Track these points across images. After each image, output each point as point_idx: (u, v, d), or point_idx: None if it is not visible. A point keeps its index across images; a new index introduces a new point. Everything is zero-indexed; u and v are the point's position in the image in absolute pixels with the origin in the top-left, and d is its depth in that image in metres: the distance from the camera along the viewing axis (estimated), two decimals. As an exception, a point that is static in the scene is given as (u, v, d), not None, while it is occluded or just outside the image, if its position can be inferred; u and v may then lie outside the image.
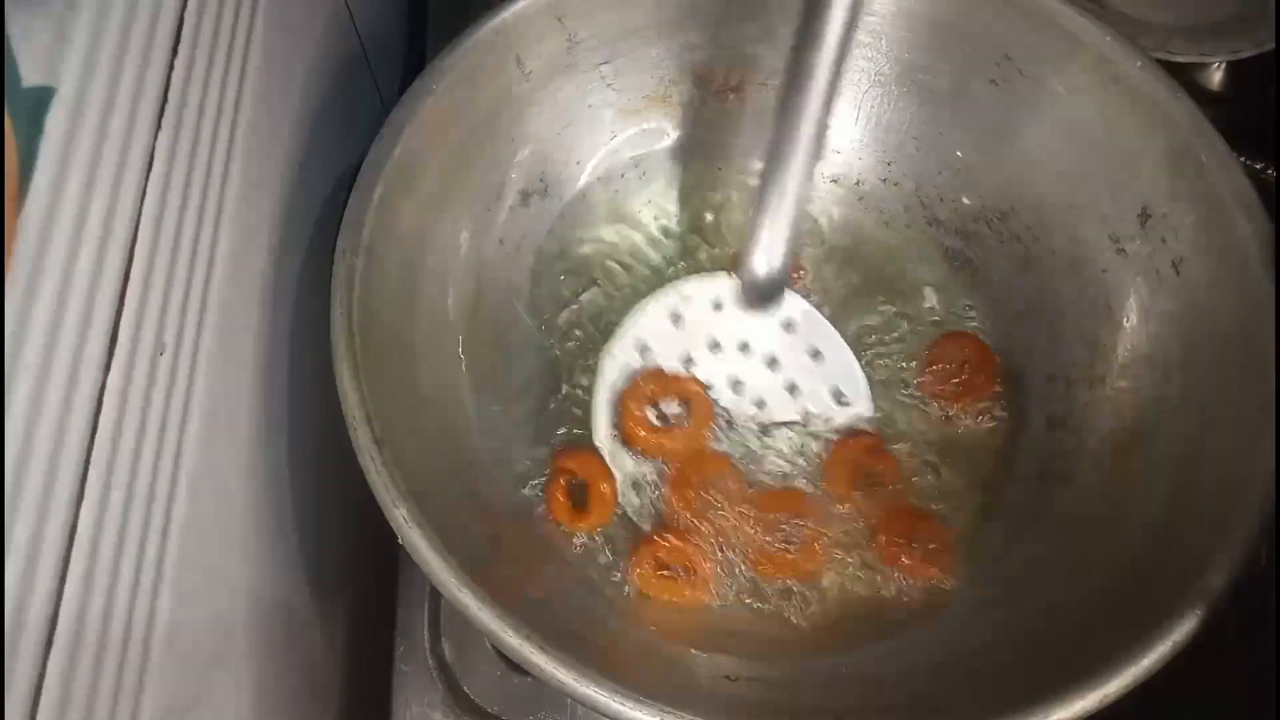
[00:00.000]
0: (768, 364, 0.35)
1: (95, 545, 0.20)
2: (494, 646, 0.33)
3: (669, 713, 0.25)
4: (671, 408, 0.35)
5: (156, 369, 0.23)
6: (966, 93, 0.39)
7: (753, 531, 0.33)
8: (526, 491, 0.35)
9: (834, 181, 0.42)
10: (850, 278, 0.40)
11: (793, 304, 0.36)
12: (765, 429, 0.35)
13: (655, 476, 0.35)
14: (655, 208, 0.42)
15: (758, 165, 0.42)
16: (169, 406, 0.24)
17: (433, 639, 0.35)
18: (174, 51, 0.24)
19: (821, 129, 0.31)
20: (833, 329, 0.36)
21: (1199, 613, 0.26)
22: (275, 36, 0.30)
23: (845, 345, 0.36)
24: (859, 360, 0.36)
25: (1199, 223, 0.33)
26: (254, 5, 0.29)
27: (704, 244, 0.41)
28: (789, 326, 0.36)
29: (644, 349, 0.35)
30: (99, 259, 0.21)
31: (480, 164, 0.37)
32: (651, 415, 0.35)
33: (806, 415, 0.35)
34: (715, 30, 0.40)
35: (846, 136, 0.42)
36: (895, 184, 0.42)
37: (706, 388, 0.35)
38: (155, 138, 0.23)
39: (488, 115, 0.37)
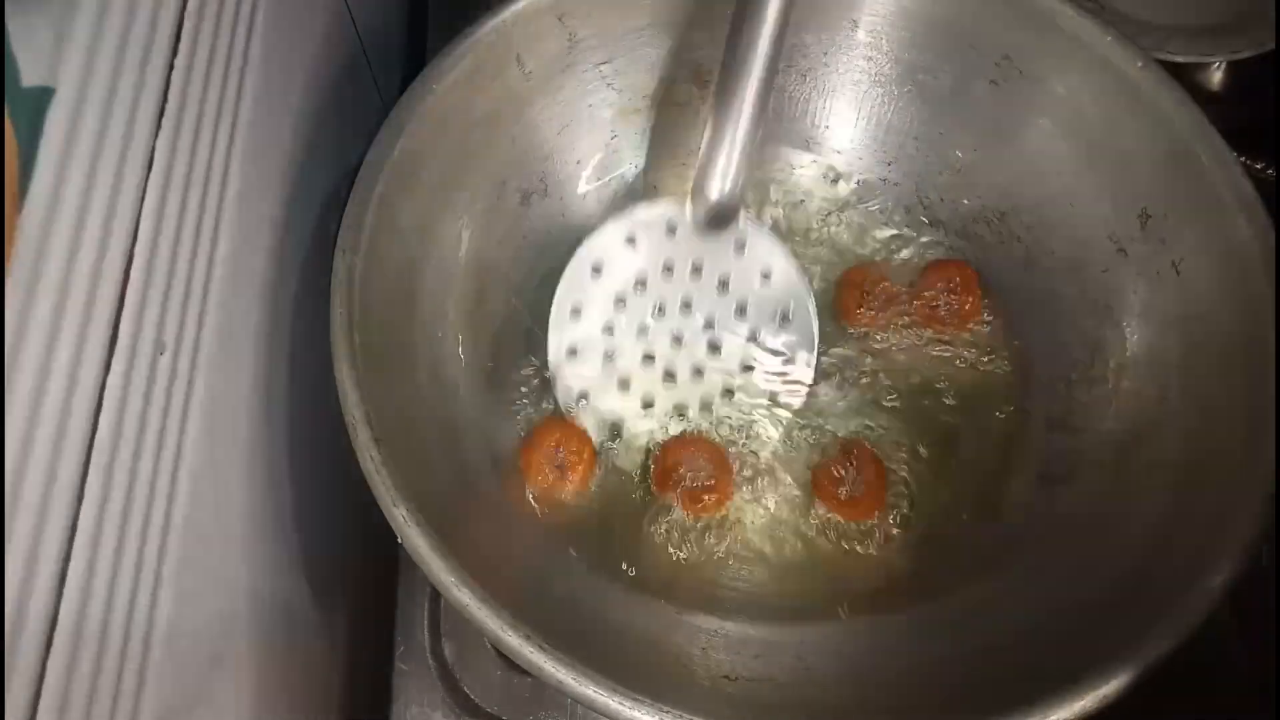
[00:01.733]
0: (718, 286, 0.36)
1: (95, 545, 0.20)
2: (494, 646, 0.33)
3: (668, 713, 0.25)
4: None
5: (156, 369, 0.23)
6: (967, 93, 0.39)
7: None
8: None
9: (835, 181, 0.42)
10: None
11: (745, 225, 0.36)
12: (714, 347, 0.36)
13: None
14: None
15: (757, 165, 0.42)
16: (169, 406, 0.24)
17: (433, 639, 0.35)
18: (174, 51, 0.24)
19: (776, 45, 0.31)
20: (783, 248, 0.36)
21: (1199, 613, 0.26)
22: (275, 36, 0.30)
23: (795, 266, 0.36)
24: (807, 281, 0.37)
25: (1199, 223, 0.33)
26: (254, 5, 0.29)
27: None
28: (740, 248, 0.36)
29: (596, 269, 0.35)
30: (99, 259, 0.21)
31: (480, 164, 0.37)
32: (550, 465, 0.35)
33: (753, 333, 0.36)
34: (715, 30, 0.40)
35: (847, 136, 0.42)
36: (896, 184, 0.42)
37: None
38: (155, 138, 0.23)
39: (488, 115, 0.37)
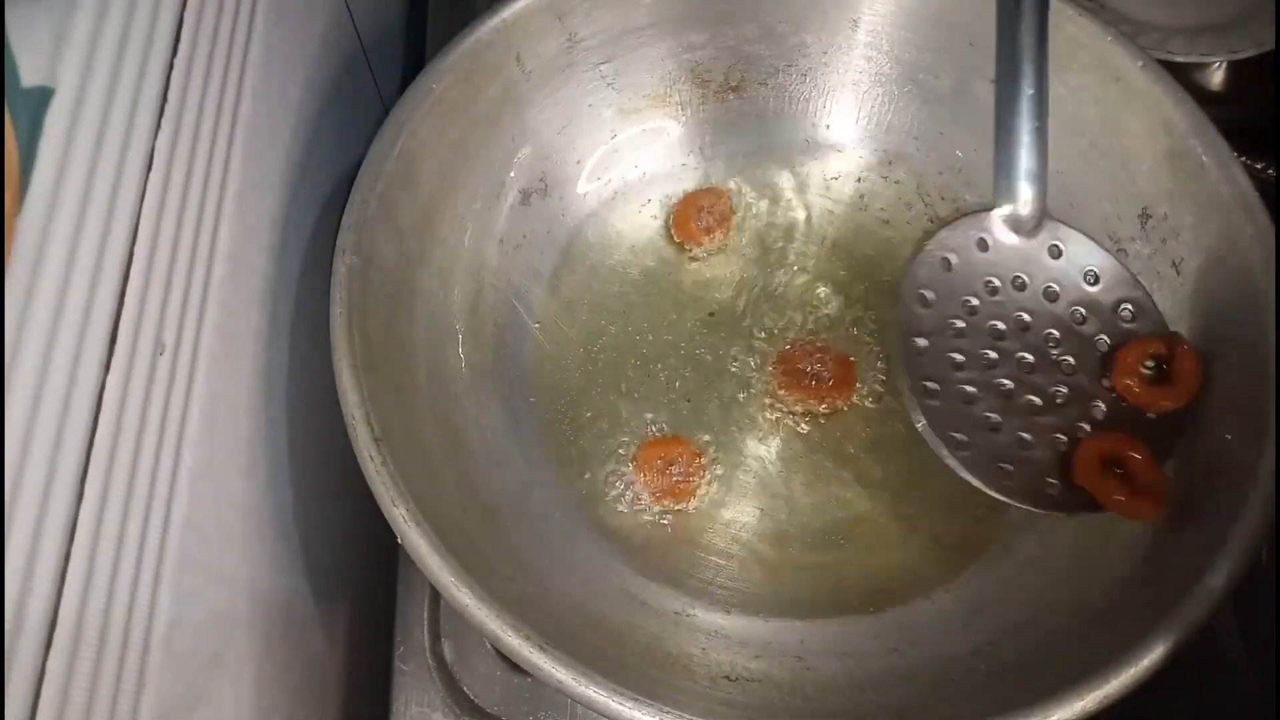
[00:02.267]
0: (1046, 295, 0.34)
1: (95, 545, 0.20)
2: (493, 646, 0.33)
3: (668, 713, 0.25)
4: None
5: (156, 368, 0.23)
6: (967, 92, 0.39)
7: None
8: (538, 492, 0.35)
9: (835, 179, 0.42)
10: (851, 276, 0.41)
11: (1057, 229, 0.34)
12: (1069, 367, 0.33)
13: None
14: (655, 207, 0.42)
15: (757, 164, 0.42)
16: (169, 406, 0.24)
17: (432, 639, 0.35)
18: (174, 51, 0.24)
19: (1044, 48, 0.31)
20: (1098, 247, 0.34)
21: (1199, 613, 0.26)
22: (275, 36, 0.30)
23: (1115, 261, 0.34)
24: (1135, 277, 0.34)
25: (1199, 223, 0.33)
26: (254, 5, 0.29)
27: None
28: (1056, 253, 0.34)
29: (923, 301, 0.33)
30: (98, 258, 0.21)
31: (480, 163, 0.37)
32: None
33: (1103, 340, 0.33)
34: (715, 30, 0.40)
35: (848, 135, 0.42)
36: (896, 182, 0.42)
37: None
38: (155, 138, 0.23)
39: (488, 115, 0.37)
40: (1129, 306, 0.33)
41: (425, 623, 0.35)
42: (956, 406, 0.32)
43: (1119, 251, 0.36)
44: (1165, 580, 0.28)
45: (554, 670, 0.25)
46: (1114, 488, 0.30)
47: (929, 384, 0.32)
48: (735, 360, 0.39)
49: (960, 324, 0.33)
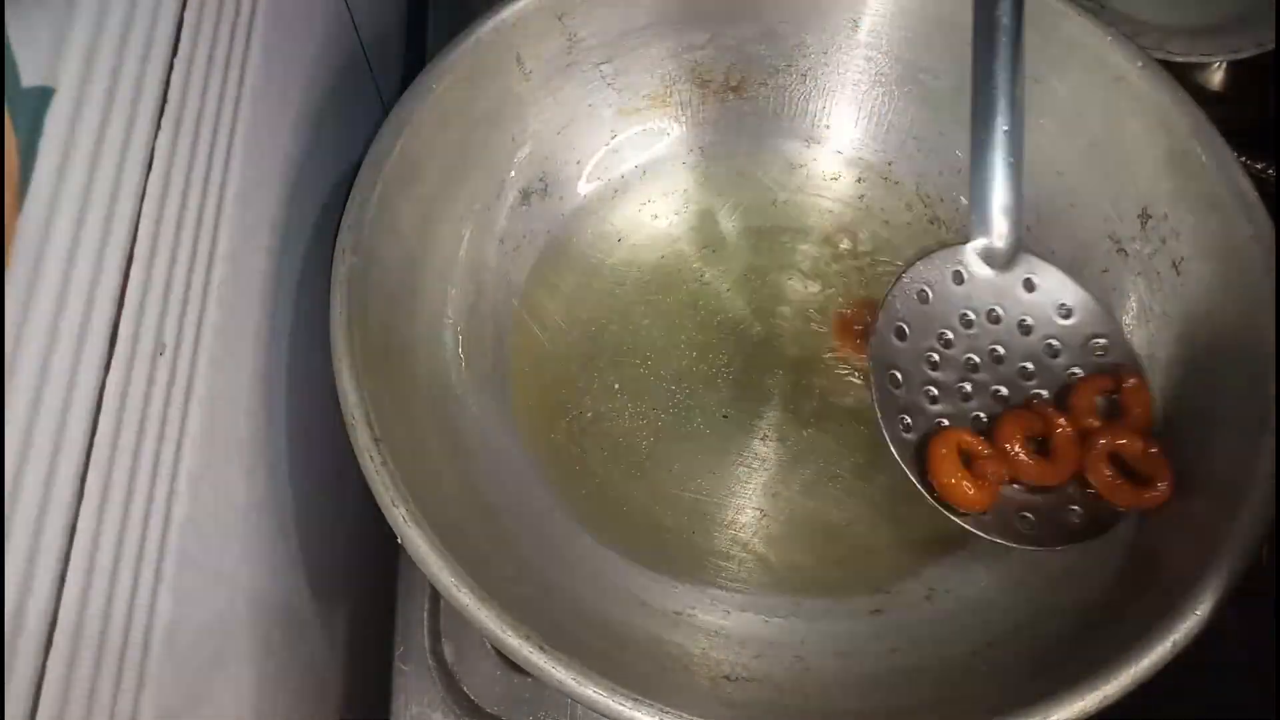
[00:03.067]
0: (1019, 328, 0.34)
1: (95, 545, 0.20)
2: (494, 646, 0.33)
3: (668, 713, 0.25)
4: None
5: (156, 369, 0.23)
6: (967, 92, 0.39)
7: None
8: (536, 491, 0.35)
9: (834, 180, 0.42)
10: (851, 275, 0.41)
11: (1031, 263, 0.34)
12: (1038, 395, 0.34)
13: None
14: (655, 207, 0.42)
15: (757, 164, 0.42)
16: (169, 406, 0.24)
17: (433, 639, 0.35)
18: (174, 51, 0.24)
19: (1019, 86, 0.31)
20: (1071, 281, 0.35)
21: (1199, 613, 0.26)
22: (275, 36, 0.30)
23: (1088, 295, 0.34)
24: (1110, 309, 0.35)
25: (1199, 223, 0.33)
26: (254, 5, 0.29)
27: (704, 244, 0.41)
28: (1031, 286, 0.34)
29: (900, 334, 0.34)
30: (98, 259, 0.21)
31: (480, 164, 0.37)
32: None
33: (1073, 373, 0.34)
34: (716, 30, 0.40)
35: (848, 136, 0.42)
36: (896, 183, 0.42)
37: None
38: (155, 138, 0.23)
39: (488, 115, 0.37)
40: (1101, 340, 0.34)
41: (425, 623, 0.35)
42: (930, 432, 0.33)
43: (1119, 252, 0.36)
44: (1165, 580, 0.28)
45: (554, 670, 0.25)
46: (1115, 478, 0.31)
47: (904, 418, 0.33)
48: (736, 359, 0.39)
49: (935, 357, 0.34)
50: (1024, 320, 0.34)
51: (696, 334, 0.40)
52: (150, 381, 0.23)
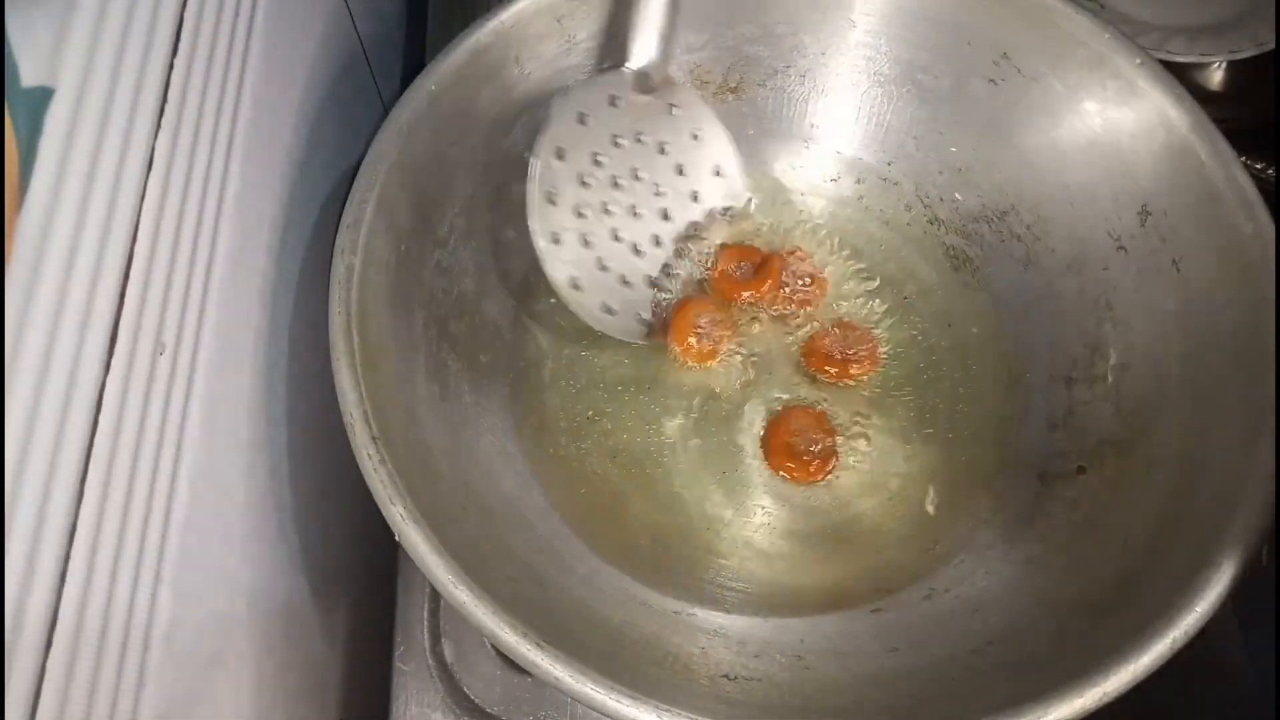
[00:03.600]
0: (659, 150, 0.38)
1: (95, 545, 0.20)
2: (493, 645, 0.33)
3: (668, 711, 0.25)
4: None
5: (156, 368, 0.23)
6: (966, 92, 0.39)
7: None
8: (531, 488, 0.35)
9: (834, 180, 0.42)
10: (851, 275, 0.41)
11: (673, 91, 0.38)
12: (665, 215, 0.39)
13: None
14: (655, 207, 0.42)
15: (756, 165, 0.42)
16: (169, 406, 0.24)
17: (432, 639, 0.35)
18: (174, 51, 0.24)
19: None
20: (707, 108, 0.39)
21: (1199, 612, 0.26)
22: (275, 36, 0.30)
23: (719, 124, 0.39)
24: (732, 142, 0.39)
25: (1199, 222, 0.33)
26: (254, 5, 0.29)
27: (703, 243, 0.41)
28: (670, 110, 0.38)
29: (560, 152, 0.36)
30: (98, 258, 0.21)
31: (480, 164, 0.37)
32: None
33: (695, 194, 0.39)
34: (714, 31, 0.40)
35: (847, 136, 0.42)
36: (895, 183, 0.42)
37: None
38: (155, 137, 0.23)
39: (487, 115, 0.37)
40: (720, 166, 0.39)
41: (425, 623, 0.35)
42: (577, 251, 0.36)
43: (1119, 250, 0.36)
44: (1165, 580, 0.28)
45: (553, 668, 0.25)
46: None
47: (555, 232, 0.36)
48: (737, 359, 0.39)
49: (588, 178, 0.37)
50: (664, 143, 0.38)
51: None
52: (150, 381, 0.23)
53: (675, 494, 0.36)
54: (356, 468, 0.28)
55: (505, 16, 0.36)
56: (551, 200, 0.35)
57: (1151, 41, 0.43)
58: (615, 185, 0.37)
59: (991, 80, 0.38)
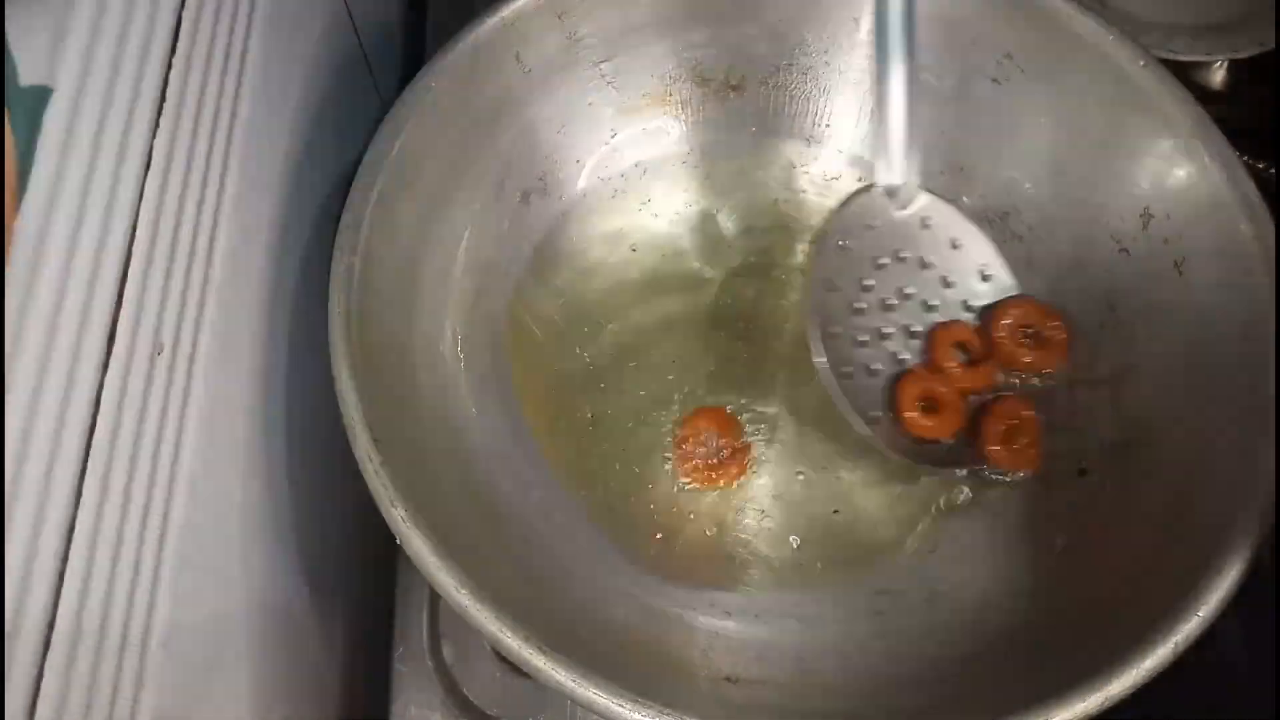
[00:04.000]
0: (921, 265, 0.38)
1: (93, 546, 0.20)
2: (493, 648, 0.33)
3: (669, 714, 0.25)
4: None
5: (154, 369, 0.23)
6: (968, 92, 0.39)
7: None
8: (534, 495, 0.35)
9: (836, 179, 0.42)
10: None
11: (924, 201, 0.38)
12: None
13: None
14: (655, 207, 0.42)
15: (758, 164, 0.42)
16: (167, 407, 0.24)
17: (432, 640, 0.35)
18: (172, 50, 0.24)
19: (909, 44, 0.35)
20: (959, 214, 0.38)
21: (1200, 613, 0.26)
22: (274, 36, 0.30)
23: (974, 226, 0.38)
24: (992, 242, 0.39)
25: (1201, 223, 0.33)
26: (252, 4, 0.29)
27: (704, 243, 0.41)
28: (925, 223, 0.38)
29: (829, 284, 0.36)
30: (97, 258, 0.21)
31: (479, 163, 0.37)
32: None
33: (965, 303, 0.38)
34: (716, 29, 0.40)
35: (848, 136, 0.42)
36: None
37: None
38: (153, 137, 0.23)
39: (487, 114, 0.37)
40: (984, 268, 0.38)
41: (425, 624, 0.35)
42: (863, 380, 0.36)
43: (1121, 252, 0.36)
44: (1166, 580, 0.28)
45: (554, 672, 0.25)
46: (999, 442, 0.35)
47: (844, 367, 0.35)
48: (736, 360, 0.39)
49: (860, 304, 0.37)
50: (924, 257, 0.38)
51: (696, 334, 0.39)
52: (148, 381, 0.23)
53: (677, 496, 0.36)
54: (355, 469, 0.28)
55: (505, 14, 0.36)
56: (831, 333, 0.35)
57: (1154, 40, 0.43)
58: (885, 307, 0.37)
59: (994, 80, 0.38)
